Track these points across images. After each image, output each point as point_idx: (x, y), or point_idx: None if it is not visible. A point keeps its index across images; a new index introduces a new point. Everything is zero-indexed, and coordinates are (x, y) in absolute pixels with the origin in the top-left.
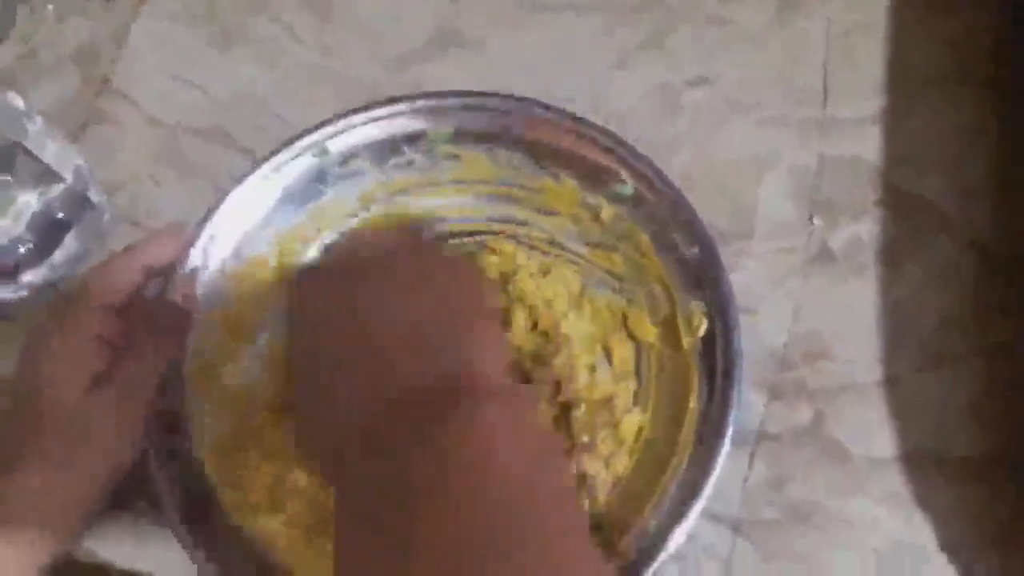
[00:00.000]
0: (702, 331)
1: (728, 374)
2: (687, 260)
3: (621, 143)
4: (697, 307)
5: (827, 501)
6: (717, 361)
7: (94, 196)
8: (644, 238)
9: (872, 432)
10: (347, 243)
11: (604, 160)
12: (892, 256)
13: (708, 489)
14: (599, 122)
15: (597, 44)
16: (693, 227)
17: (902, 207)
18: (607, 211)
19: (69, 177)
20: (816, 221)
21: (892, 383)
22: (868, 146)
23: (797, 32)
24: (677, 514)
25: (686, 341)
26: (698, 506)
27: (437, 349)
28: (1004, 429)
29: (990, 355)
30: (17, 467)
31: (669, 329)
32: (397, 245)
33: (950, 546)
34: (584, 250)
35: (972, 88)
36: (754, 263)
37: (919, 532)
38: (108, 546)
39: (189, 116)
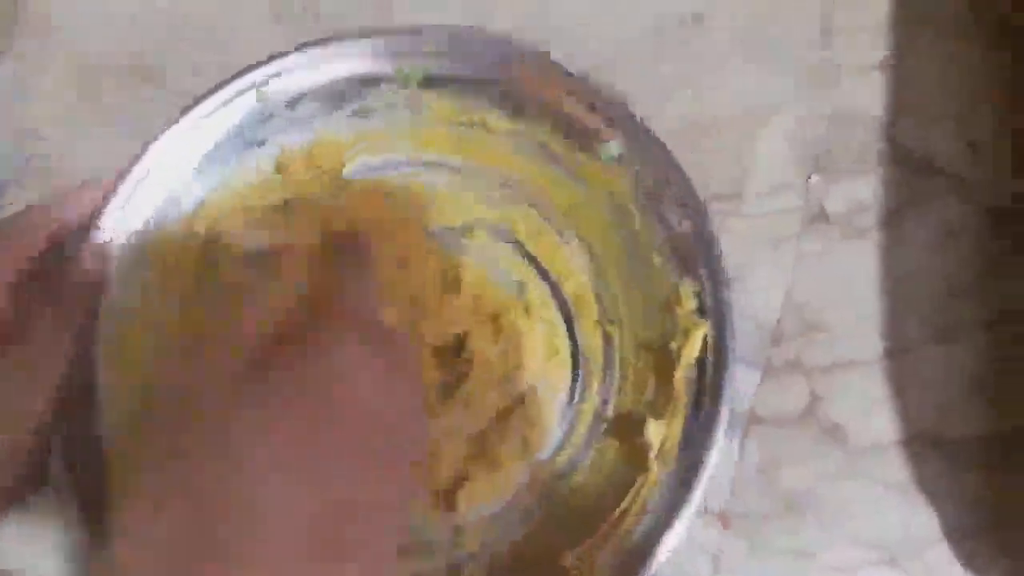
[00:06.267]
0: (693, 313)
1: (718, 370)
2: (677, 234)
3: (612, 98)
4: (687, 288)
5: (823, 488)
6: (707, 360)
7: None
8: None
9: (871, 412)
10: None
11: (590, 117)
12: (895, 218)
13: (697, 497)
14: (582, 61)
15: None
16: (687, 198)
17: (906, 164)
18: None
19: None
20: (813, 179)
21: (893, 358)
22: (871, 97)
23: None
24: (664, 523)
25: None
26: (686, 515)
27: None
28: (1008, 408)
29: (996, 326)
30: None
31: (654, 314)
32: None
33: (952, 532)
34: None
35: (983, 34)
36: (744, 224)
37: (920, 518)
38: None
39: (115, 49)
